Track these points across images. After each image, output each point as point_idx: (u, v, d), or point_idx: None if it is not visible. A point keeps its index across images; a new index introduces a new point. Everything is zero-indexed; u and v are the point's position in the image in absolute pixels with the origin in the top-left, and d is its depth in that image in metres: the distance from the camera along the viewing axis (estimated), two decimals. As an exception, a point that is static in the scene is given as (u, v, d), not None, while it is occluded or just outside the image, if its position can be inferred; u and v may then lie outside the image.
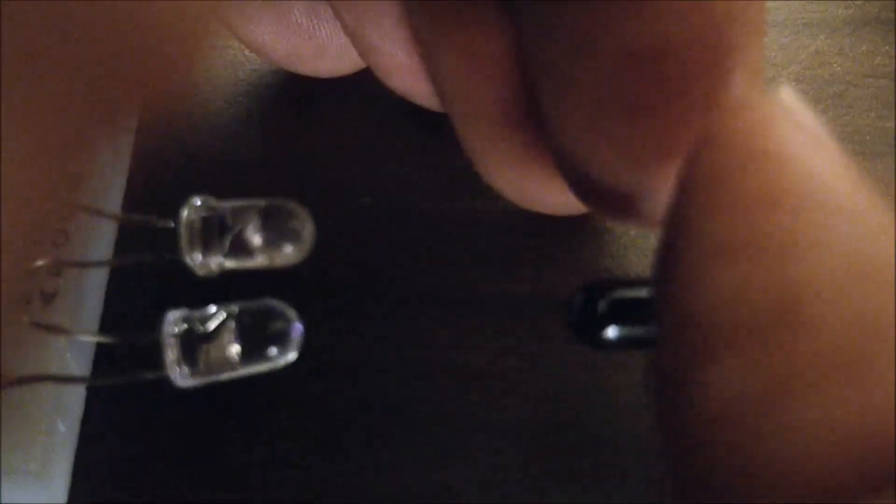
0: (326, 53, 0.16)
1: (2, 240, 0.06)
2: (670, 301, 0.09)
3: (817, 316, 0.08)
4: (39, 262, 0.16)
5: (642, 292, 0.14)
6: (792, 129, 0.10)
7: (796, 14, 0.22)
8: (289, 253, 0.16)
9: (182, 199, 0.16)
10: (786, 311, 0.09)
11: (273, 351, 0.15)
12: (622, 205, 0.12)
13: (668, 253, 0.10)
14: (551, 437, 0.17)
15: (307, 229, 0.16)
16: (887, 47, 0.22)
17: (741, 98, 0.10)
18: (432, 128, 0.20)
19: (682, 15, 0.10)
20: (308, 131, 0.20)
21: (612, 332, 0.14)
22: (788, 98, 0.10)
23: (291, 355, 0.15)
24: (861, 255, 0.09)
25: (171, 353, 0.15)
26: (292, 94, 0.21)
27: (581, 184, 0.13)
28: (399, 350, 0.18)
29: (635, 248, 0.19)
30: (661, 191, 0.12)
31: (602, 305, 0.14)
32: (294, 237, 0.16)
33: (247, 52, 0.20)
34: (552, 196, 0.14)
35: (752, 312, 0.09)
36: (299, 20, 0.16)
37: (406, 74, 0.14)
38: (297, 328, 0.15)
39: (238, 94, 0.20)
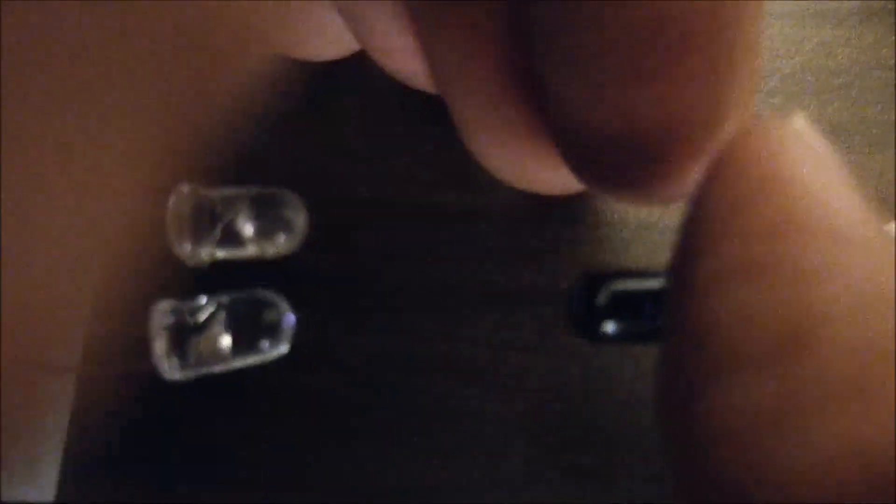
0: (323, 36, 0.16)
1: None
2: (682, 318, 0.10)
3: (825, 340, 0.09)
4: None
5: (640, 284, 0.14)
6: (804, 156, 0.10)
7: (803, 5, 0.22)
8: (282, 242, 0.15)
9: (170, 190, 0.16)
10: (795, 335, 0.09)
11: (265, 343, 0.15)
12: (622, 178, 0.12)
13: (681, 272, 0.10)
14: (553, 431, 0.17)
15: (300, 218, 0.15)
16: (893, 38, 0.21)
17: (755, 125, 0.10)
18: (433, 121, 0.20)
19: None
20: (306, 122, 0.20)
21: (610, 326, 0.14)
22: (801, 124, 0.10)
23: (283, 347, 0.15)
24: (868, 283, 0.09)
25: (160, 346, 0.15)
26: (291, 83, 0.20)
27: (581, 157, 0.12)
28: (397, 344, 0.17)
29: (635, 241, 0.19)
30: (661, 162, 0.12)
31: (600, 299, 0.14)
32: (287, 226, 0.15)
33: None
34: (547, 174, 0.14)
35: (761, 334, 0.09)
36: (296, 3, 0.16)
37: (402, 56, 0.14)
38: (290, 319, 0.15)
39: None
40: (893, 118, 0.20)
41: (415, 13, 0.12)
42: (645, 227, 0.19)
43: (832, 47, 0.21)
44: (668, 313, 0.10)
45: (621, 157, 0.12)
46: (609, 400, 0.17)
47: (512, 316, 0.18)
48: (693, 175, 0.12)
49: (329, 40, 0.16)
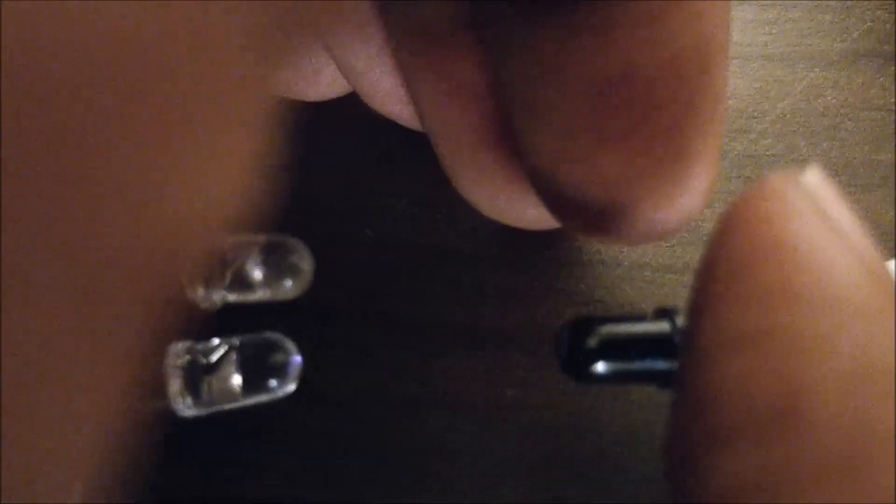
0: (319, 77, 0.17)
1: None
2: (686, 381, 0.10)
3: (819, 414, 0.09)
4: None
5: (630, 328, 0.14)
6: (812, 220, 0.10)
7: (792, 47, 0.23)
8: (288, 287, 0.16)
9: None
10: (789, 407, 0.09)
11: (272, 382, 0.16)
12: (593, 223, 0.13)
13: (688, 334, 0.10)
14: (545, 467, 0.17)
15: (306, 264, 0.16)
16: (882, 79, 0.22)
17: (766, 182, 0.10)
18: (431, 160, 0.21)
19: (646, 45, 0.10)
20: (310, 165, 0.21)
21: (600, 367, 0.15)
22: (813, 180, 0.10)
23: (290, 387, 0.16)
24: (866, 358, 0.09)
25: (174, 384, 0.15)
26: (293, 126, 0.21)
27: (553, 202, 0.13)
28: (397, 381, 0.18)
29: (630, 279, 0.19)
30: (631, 210, 0.12)
31: (591, 342, 0.14)
32: (293, 272, 0.16)
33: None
34: (528, 211, 0.14)
35: (757, 404, 0.09)
36: (291, 55, 0.17)
37: (390, 99, 0.15)
38: (296, 361, 0.16)
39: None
40: (881, 159, 0.21)
41: (400, 62, 0.13)
42: (638, 266, 0.20)
43: (822, 89, 0.22)
44: (678, 372, 0.10)
45: (589, 205, 0.12)
46: (600, 436, 0.17)
47: (506, 353, 0.18)
48: (664, 220, 0.13)
49: (325, 81, 0.17)
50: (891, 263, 0.17)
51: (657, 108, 0.11)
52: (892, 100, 0.22)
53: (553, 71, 0.11)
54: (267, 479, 0.17)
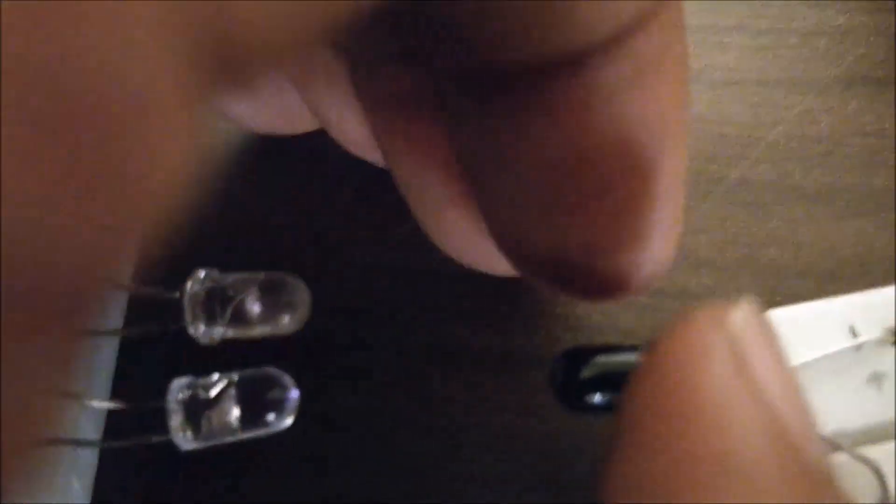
0: (298, 119, 0.17)
1: None
2: None
3: None
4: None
5: (622, 358, 0.15)
6: (726, 371, 0.10)
7: (787, 73, 0.23)
8: (286, 322, 0.16)
9: (187, 271, 0.17)
10: None
11: (270, 416, 0.16)
12: (554, 283, 0.13)
13: (602, 475, 0.10)
14: (542, 491, 0.18)
15: (304, 299, 0.17)
16: (876, 105, 0.22)
17: (690, 320, 0.10)
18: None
19: (598, 127, 0.10)
20: (305, 193, 0.21)
21: (594, 398, 0.15)
22: (741, 321, 0.10)
23: (287, 421, 0.16)
24: None
25: (176, 419, 0.16)
26: (288, 156, 0.21)
27: (515, 262, 0.13)
28: (396, 406, 0.18)
29: (626, 305, 0.20)
30: (591, 274, 0.12)
31: (585, 373, 0.14)
32: (291, 308, 0.17)
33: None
34: (498, 263, 0.15)
35: None
36: (270, 96, 0.17)
37: (361, 145, 0.15)
38: (294, 395, 0.16)
39: (232, 162, 0.21)
40: (875, 183, 0.21)
41: (368, 120, 0.13)
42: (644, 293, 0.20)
43: (816, 115, 0.22)
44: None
45: (550, 268, 0.12)
46: (595, 461, 0.18)
47: (503, 378, 0.19)
48: (625, 284, 0.13)
49: (307, 121, 0.17)
50: (889, 290, 0.17)
51: (612, 185, 0.11)
52: (886, 125, 0.22)
53: (505, 149, 0.11)
54: (268, 511, 0.17)
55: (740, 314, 0.11)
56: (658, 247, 0.12)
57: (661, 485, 0.09)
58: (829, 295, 0.17)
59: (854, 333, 0.16)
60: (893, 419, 0.15)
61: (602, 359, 0.15)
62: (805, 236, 0.20)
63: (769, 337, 0.11)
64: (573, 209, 0.11)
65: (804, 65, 0.23)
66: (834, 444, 0.15)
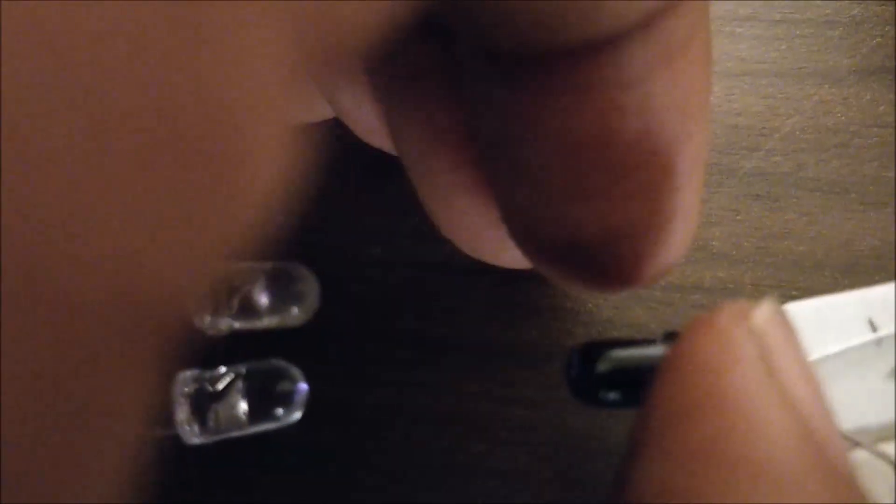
0: (314, 107, 0.17)
1: None
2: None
3: None
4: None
5: (638, 352, 0.14)
6: (754, 372, 0.10)
7: (801, 63, 0.23)
8: (295, 314, 0.16)
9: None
10: None
11: (279, 410, 0.16)
12: (567, 274, 0.13)
13: (615, 485, 0.10)
14: (555, 485, 0.17)
15: (312, 291, 0.16)
16: (891, 96, 0.22)
17: (713, 318, 0.10)
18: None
19: (623, 109, 0.10)
20: (316, 184, 0.21)
21: (609, 393, 0.14)
22: (764, 320, 0.10)
23: (296, 415, 0.16)
24: None
25: (182, 412, 0.15)
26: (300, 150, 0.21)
27: (528, 251, 0.13)
28: (406, 398, 0.18)
29: (638, 299, 0.19)
30: (606, 264, 0.12)
31: (600, 367, 0.14)
32: (300, 299, 0.16)
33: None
34: (505, 253, 0.14)
35: None
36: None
37: (375, 134, 0.15)
38: (302, 388, 0.16)
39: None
40: (890, 175, 0.21)
41: (381, 103, 0.13)
42: (646, 287, 0.19)
43: (831, 106, 0.22)
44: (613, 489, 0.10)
45: (563, 257, 0.12)
46: (609, 454, 0.17)
47: (516, 371, 0.18)
48: (639, 275, 0.12)
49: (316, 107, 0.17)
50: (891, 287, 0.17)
51: (634, 168, 0.11)
52: (902, 116, 0.22)
53: (529, 129, 0.11)
54: (279, 501, 0.17)
55: (764, 313, 0.10)
56: (677, 233, 0.12)
57: (695, 490, 0.09)
58: (846, 288, 0.17)
59: (874, 327, 0.16)
60: (914, 415, 0.15)
61: (617, 353, 0.14)
62: (820, 229, 0.20)
63: (792, 336, 0.11)
64: (593, 193, 0.11)
65: (819, 55, 0.23)
66: (854, 441, 0.15)
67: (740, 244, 0.20)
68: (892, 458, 0.14)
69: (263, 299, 0.16)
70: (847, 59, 0.23)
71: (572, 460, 0.17)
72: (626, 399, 0.14)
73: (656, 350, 0.15)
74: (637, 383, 0.14)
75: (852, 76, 0.22)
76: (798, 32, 0.23)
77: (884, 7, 0.24)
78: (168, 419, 0.16)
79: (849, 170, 0.21)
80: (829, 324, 0.16)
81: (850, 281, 0.19)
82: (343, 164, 0.21)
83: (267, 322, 0.16)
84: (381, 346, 0.18)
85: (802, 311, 0.16)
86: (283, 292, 0.16)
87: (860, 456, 0.14)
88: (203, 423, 0.15)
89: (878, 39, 0.23)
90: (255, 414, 0.16)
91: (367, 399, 0.18)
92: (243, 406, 0.16)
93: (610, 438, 0.17)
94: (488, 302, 0.19)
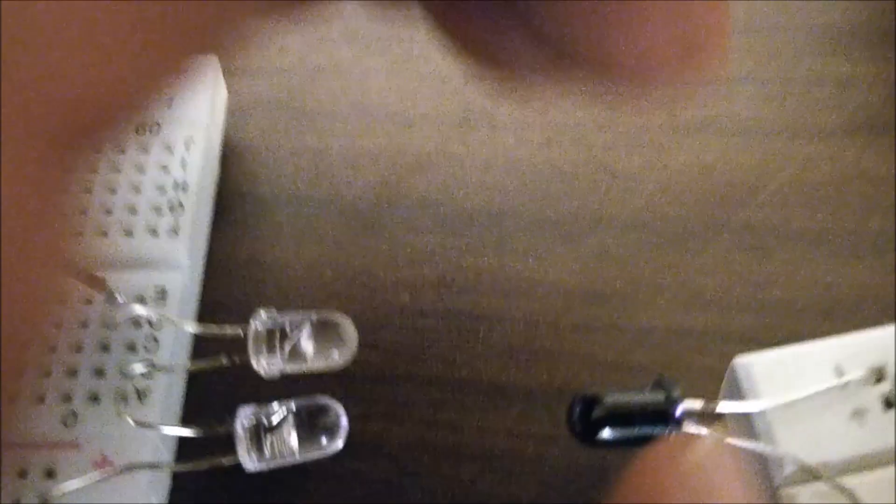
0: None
1: None
2: None
3: None
4: (136, 365, 0.19)
5: (628, 399, 0.17)
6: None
7: (791, 121, 0.25)
8: (336, 358, 0.19)
9: (249, 309, 0.20)
10: None
11: (324, 441, 0.18)
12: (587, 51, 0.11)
13: None
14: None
15: (352, 337, 0.19)
16: (875, 151, 0.24)
17: (664, 448, 0.12)
18: (459, 231, 0.24)
19: None
20: (356, 240, 0.23)
21: (606, 433, 0.17)
22: (710, 450, 0.12)
23: (339, 444, 0.18)
24: None
25: (243, 443, 0.18)
26: (341, 209, 0.24)
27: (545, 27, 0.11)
28: (432, 434, 0.20)
29: (639, 343, 0.22)
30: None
31: (596, 413, 0.17)
32: (341, 344, 0.19)
33: (300, 177, 0.24)
34: (502, 51, 0.13)
35: None
36: None
37: None
38: (344, 422, 0.18)
39: (293, 210, 0.24)
40: (871, 227, 0.23)
41: None
42: (647, 331, 0.22)
43: (817, 161, 0.24)
44: None
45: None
46: (612, 484, 0.20)
47: (529, 410, 0.21)
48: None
49: None
50: (875, 332, 0.19)
51: None
52: (884, 171, 0.24)
53: None
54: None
55: (707, 446, 0.12)
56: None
57: None
58: (826, 332, 0.19)
59: (840, 373, 0.18)
60: (873, 451, 0.17)
61: (611, 399, 0.17)
62: (805, 277, 0.22)
63: (734, 468, 0.12)
64: None
65: (808, 113, 0.25)
66: (816, 474, 0.17)
67: (731, 292, 0.22)
68: (851, 491, 0.17)
69: (309, 346, 0.19)
70: (835, 117, 0.25)
71: (579, 489, 0.20)
72: (620, 439, 0.17)
73: (644, 397, 0.17)
74: (628, 425, 0.17)
75: (839, 132, 0.25)
76: (789, 91, 0.26)
77: (870, 67, 0.26)
78: (229, 449, 0.18)
79: (834, 221, 0.23)
80: (800, 370, 0.18)
81: (830, 326, 0.21)
82: (372, 223, 0.24)
83: (313, 365, 0.19)
84: (410, 386, 0.21)
85: (777, 358, 0.18)
86: (327, 339, 0.19)
87: (821, 489, 0.17)
88: (260, 452, 0.18)
89: (864, 98, 0.25)
90: (304, 444, 0.18)
91: (398, 433, 0.20)
92: (294, 437, 0.18)
93: (611, 469, 0.20)
94: (506, 347, 0.22)
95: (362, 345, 0.19)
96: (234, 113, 0.25)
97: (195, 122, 0.23)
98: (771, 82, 0.26)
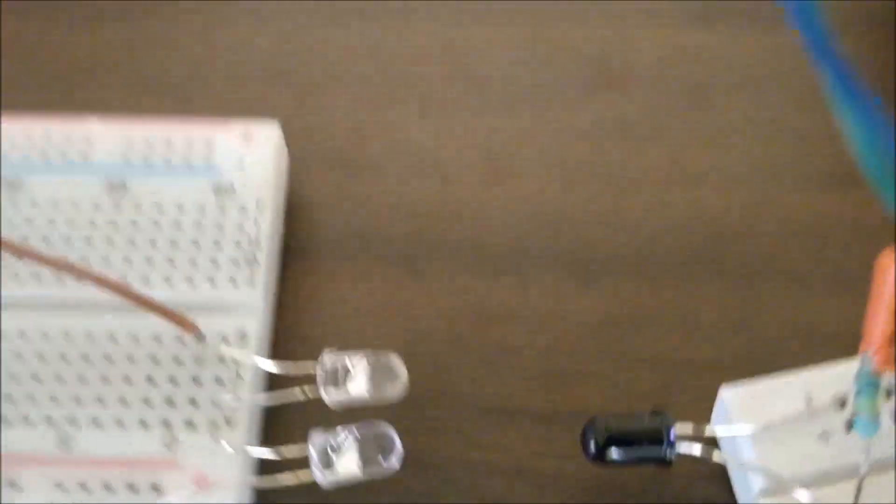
0: None
1: None
2: None
3: None
4: (226, 397, 0.23)
5: (630, 425, 0.21)
6: None
7: (778, 171, 0.28)
8: (390, 392, 0.23)
9: (312, 346, 0.24)
10: None
11: (383, 461, 0.22)
12: None
13: None
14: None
15: (403, 374, 0.23)
16: (851, 200, 0.27)
17: None
18: (500, 271, 0.27)
19: None
20: (408, 284, 0.27)
21: (612, 454, 0.21)
22: None
23: (396, 464, 0.22)
24: None
25: (316, 462, 0.22)
26: (387, 255, 0.28)
27: None
28: (467, 452, 0.24)
29: (650, 371, 0.25)
30: None
31: (602, 436, 0.21)
32: (394, 379, 0.23)
33: (351, 225, 0.28)
34: None
35: None
36: None
37: None
38: (399, 445, 0.22)
39: (345, 255, 0.28)
40: (850, 266, 0.26)
41: None
42: (651, 359, 0.26)
43: (799, 209, 0.28)
44: None
45: None
46: (625, 495, 0.23)
47: (551, 430, 0.25)
48: None
49: None
50: (842, 365, 0.22)
51: None
52: (862, 217, 0.27)
53: None
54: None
55: None
56: None
57: None
58: (806, 362, 0.23)
59: (810, 400, 0.22)
60: (836, 467, 0.21)
61: (615, 424, 0.21)
62: (789, 312, 0.26)
63: None
64: None
65: (795, 163, 0.29)
66: (788, 486, 0.21)
67: (724, 326, 0.26)
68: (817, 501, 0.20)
69: (367, 381, 0.23)
70: (818, 168, 0.28)
71: (594, 499, 0.23)
72: (625, 458, 0.21)
73: (645, 422, 0.21)
74: (631, 446, 0.21)
75: (822, 183, 0.28)
76: (778, 143, 0.29)
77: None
78: (305, 468, 0.22)
79: (813, 263, 0.27)
80: (774, 399, 0.22)
81: (811, 356, 0.25)
82: (420, 272, 0.27)
83: (370, 397, 0.23)
84: (449, 411, 0.25)
85: (758, 388, 0.22)
86: (381, 375, 0.23)
87: (792, 499, 0.21)
88: (330, 469, 0.22)
89: (844, 151, 0.29)
90: (365, 464, 0.22)
91: (444, 451, 0.24)
92: (357, 458, 0.22)
93: (624, 482, 0.24)
94: (533, 375, 0.26)
95: (413, 378, 0.23)
96: (294, 170, 0.29)
97: (264, 183, 0.27)
98: (761, 135, 0.29)
